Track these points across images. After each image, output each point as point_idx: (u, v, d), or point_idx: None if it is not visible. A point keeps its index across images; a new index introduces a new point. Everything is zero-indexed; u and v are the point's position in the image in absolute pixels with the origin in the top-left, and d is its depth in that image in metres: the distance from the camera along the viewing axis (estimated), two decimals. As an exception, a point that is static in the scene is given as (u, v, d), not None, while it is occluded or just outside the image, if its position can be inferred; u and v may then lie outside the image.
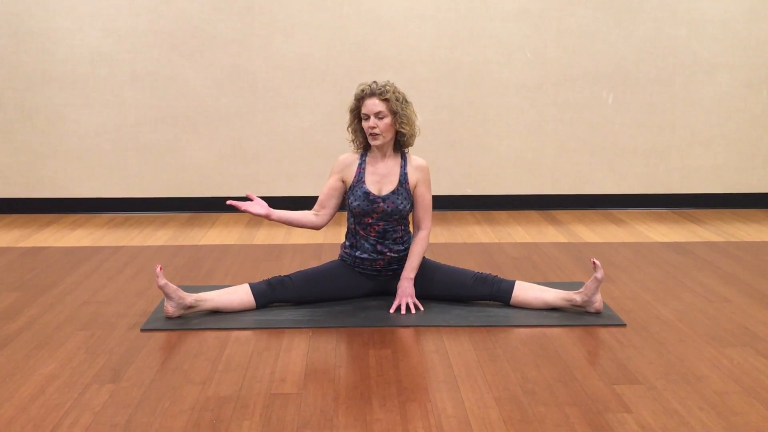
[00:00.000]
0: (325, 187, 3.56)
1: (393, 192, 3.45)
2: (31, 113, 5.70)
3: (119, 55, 5.64)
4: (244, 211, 3.40)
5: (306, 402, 2.58)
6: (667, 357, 2.95)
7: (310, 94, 5.71)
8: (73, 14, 5.58)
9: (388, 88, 3.40)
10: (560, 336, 3.16)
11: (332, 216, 3.58)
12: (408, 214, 3.52)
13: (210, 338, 3.16)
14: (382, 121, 3.39)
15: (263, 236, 5.08)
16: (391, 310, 3.43)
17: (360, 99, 3.43)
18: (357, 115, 3.47)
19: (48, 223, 5.48)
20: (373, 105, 3.39)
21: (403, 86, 5.64)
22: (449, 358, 2.94)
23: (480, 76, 5.75)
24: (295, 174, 5.82)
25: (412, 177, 3.50)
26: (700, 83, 5.79)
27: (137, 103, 5.71)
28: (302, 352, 3.02)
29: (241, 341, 3.13)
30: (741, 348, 3.03)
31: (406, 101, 3.44)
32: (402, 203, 3.45)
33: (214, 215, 5.77)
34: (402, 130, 3.41)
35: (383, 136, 3.41)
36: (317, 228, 3.58)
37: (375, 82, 3.44)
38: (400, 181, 3.47)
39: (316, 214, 3.55)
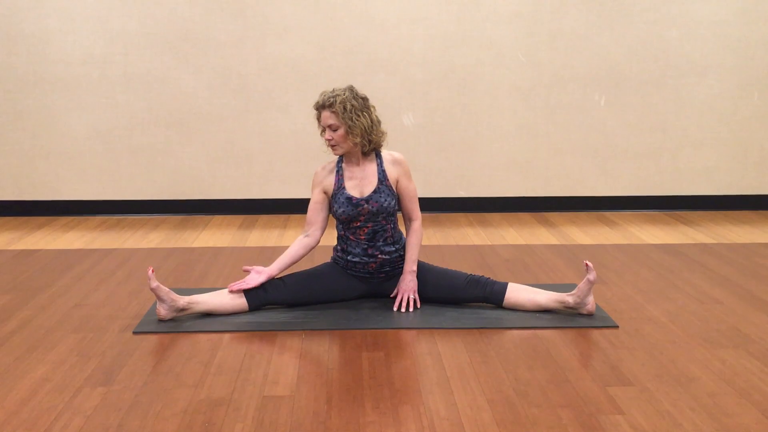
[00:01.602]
0: (310, 203, 3.56)
1: (375, 191, 3.45)
2: (23, 115, 5.68)
3: (111, 57, 5.63)
4: (245, 289, 3.42)
5: (299, 404, 2.57)
6: (659, 358, 2.95)
7: (303, 96, 5.70)
8: (65, 16, 5.57)
9: (337, 98, 3.35)
10: (553, 338, 3.17)
11: (323, 230, 3.56)
12: (394, 211, 3.52)
13: (202, 341, 3.15)
14: (336, 133, 3.38)
15: (256, 238, 5.08)
16: (395, 308, 3.45)
17: (316, 110, 3.43)
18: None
19: (40, 226, 5.46)
20: (325, 117, 3.39)
21: (396, 88, 5.72)
22: (442, 360, 2.94)
23: (472, 78, 5.76)
24: (288, 176, 5.81)
25: (392, 173, 3.50)
26: (691, 85, 5.81)
27: (129, 105, 5.70)
28: (295, 354, 3.02)
29: (234, 344, 3.12)
30: (733, 349, 3.04)
31: (361, 109, 3.37)
32: (386, 200, 3.46)
33: (206, 217, 5.76)
34: (353, 141, 3.39)
35: (341, 147, 3.42)
36: (313, 247, 3.56)
37: (332, 90, 3.40)
38: (379, 179, 3.47)
39: (307, 235, 3.53)
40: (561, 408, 2.54)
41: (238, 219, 5.69)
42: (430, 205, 5.86)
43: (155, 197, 5.83)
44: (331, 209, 3.53)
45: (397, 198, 3.53)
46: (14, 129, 5.69)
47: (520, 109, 5.81)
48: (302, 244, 3.53)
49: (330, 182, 3.51)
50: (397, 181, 3.51)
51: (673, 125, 5.86)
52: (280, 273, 3.49)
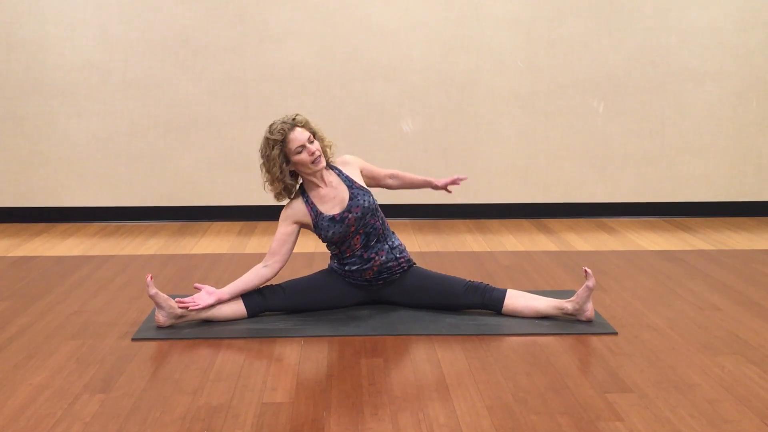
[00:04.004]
0: (277, 234, 3.47)
1: (351, 198, 3.46)
2: (22, 121, 5.69)
3: (111, 63, 5.63)
4: (193, 309, 3.34)
5: (297, 411, 2.57)
6: (658, 365, 2.95)
7: (302, 103, 5.71)
8: (65, 22, 5.58)
9: (299, 117, 3.42)
10: (552, 344, 3.16)
11: (283, 263, 3.47)
12: (376, 206, 3.52)
13: (201, 347, 3.15)
14: (315, 144, 3.41)
15: (255, 245, 5.08)
16: (450, 190, 3.74)
17: (283, 140, 3.36)
18: (285, 158, 3.39)
19: (39, 233, 5.46)
20: (301, 134, 3.37)
21: (395, 94, 5.73)
22: (441, 367, 2.94)
23: (472, 84, 5.77)
24: (287, 182, 5.81)
25: (354, 174, 3.54)
26: (690, 92, 5.82)
27: (128, 112, 5.70)
28: (294, 361, 3.02)
29: (233, 350, 3.12)
30: (732, 356, 3.04)
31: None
32: (364, 200, 3.46)
33: (205, 224, 5.76)
34: (327, 145, 3.48)
35: (324, 156, 3.45)
36: (270, 279, 3.47)
37: (282, 119, 3.41)
38: (348, 185, 3.49)
39: (266, 265, 3.45)
40: (560, 415, 2.54)
41: (237, 225, 5.69)
42: (428, 211, 5.86)
43: (154, 204, 5.83)
44: (320, 236, 3.49)
45: (370, 192, 3.53)
46: (13, 135, 5.70)
47: (519, 115, 5.82)
48: (259, 275, 3.44)
49: (303, 213, 3.46)
50: (363, 176, 3.58)
51: (671, 132, 5.87)
52: (230, 296, 3.40)
